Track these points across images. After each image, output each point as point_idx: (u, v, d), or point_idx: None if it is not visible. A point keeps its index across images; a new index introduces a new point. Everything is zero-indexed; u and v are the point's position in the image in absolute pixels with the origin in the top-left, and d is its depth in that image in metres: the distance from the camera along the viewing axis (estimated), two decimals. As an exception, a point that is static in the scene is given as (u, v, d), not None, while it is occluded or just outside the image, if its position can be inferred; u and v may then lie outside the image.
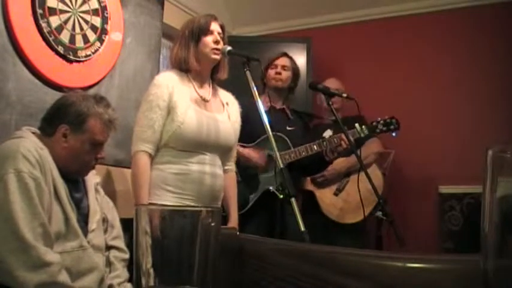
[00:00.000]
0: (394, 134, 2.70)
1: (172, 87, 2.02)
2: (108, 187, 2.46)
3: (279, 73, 2.75)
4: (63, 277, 1.46)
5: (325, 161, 2.64)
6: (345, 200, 3.00)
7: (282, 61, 2.79)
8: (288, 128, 2.65)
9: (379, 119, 2.69)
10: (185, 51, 2.09)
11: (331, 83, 2.92)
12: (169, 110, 2.00)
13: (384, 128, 2.66)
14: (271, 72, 2.73)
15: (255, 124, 2.33)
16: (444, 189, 3.43)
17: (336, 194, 3.05)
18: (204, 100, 2.12)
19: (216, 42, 2.09)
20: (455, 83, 3.53)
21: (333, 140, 2.54)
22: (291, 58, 2.85)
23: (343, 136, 2.48)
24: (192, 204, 1.95)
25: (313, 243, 1.29)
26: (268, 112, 2.56)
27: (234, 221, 2.19)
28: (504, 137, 3.13)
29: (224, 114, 2.17)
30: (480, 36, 3.46)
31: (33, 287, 1.38)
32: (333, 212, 3.05)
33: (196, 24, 2.11)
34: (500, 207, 0.39)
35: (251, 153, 2.61)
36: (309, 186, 3.16)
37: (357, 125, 2.59)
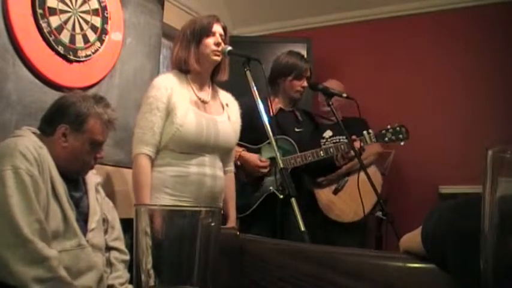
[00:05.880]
0: (402, 143, 2.66)
1: (171, 89, 2.01)
2: (107, 187, 2.45)
3: (304, 87, 2.64)
4: (63, 272, 1.46)
5: (335, 165, 2.64)
6: (344, 199, 3.01)
7: (307, 72, 2.66)
8: (296, 130, 2.63)
9: (389, 126, 2.62)
10: (186, 51, 2.07)
11: (332, 85, 2.90)
12: (169, 112, 1.99)
13: (393, 137, 2.60)
14: (297, 84, 2.59)
15: (260, 128, 2.32)
16: (444, 189, 3.42)
17: (335, 193, 3.06)
18: (203, 102, 2.11)
19: (217, 44, 2.06)
20: (455, 82, 3.53)
21: (339, 146, 2.54)
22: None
23: (353, 146, 2.43)
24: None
25: (313, 243, 1.29)
26: (277, 114, 2.55)
27: (232, 221, 2.21)
28: (504, 137, 3.13)
29: (224, 116, 2.15)
30: (480, 36, 3.46)
31: (30, 281, 1.38)
32: (331, 210, 3.05)
33: (198, 24, 2.09)
34: (500, 207, 0.39)
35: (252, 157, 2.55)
36: (309, 185, 3.16)
37: (365, 132, 2.56)
